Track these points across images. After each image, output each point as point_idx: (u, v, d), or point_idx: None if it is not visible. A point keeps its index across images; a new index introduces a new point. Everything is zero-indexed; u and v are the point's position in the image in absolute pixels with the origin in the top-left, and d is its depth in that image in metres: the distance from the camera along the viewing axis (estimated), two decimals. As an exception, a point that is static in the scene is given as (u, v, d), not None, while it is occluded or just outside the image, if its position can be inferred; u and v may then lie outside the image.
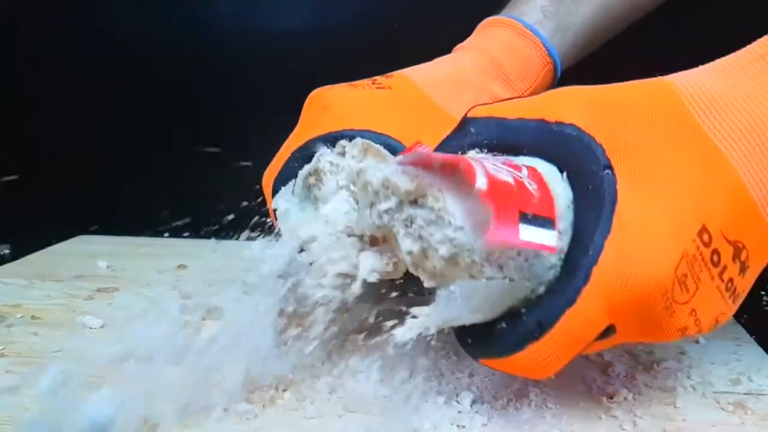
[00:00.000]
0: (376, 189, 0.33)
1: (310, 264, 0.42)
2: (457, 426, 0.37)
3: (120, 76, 0.82)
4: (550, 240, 0.30)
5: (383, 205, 0.33)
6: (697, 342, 0.46)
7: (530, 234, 0.30)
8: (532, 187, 0.32)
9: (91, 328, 0.52)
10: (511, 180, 0.31)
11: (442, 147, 0.38)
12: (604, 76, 0.37)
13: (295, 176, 0.45)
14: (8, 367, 0.45)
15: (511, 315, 0.33)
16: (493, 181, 0.30)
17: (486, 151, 0.37)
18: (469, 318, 0.34)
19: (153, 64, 0.81)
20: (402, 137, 0.44)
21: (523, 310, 0.33)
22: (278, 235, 0.45)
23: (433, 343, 0.47)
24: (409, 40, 0.74)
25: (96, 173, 0.86)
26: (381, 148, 0.43)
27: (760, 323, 0.48)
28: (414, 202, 0.32)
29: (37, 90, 0.85)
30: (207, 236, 0.81)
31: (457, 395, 0.39)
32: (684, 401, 0.39)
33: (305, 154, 0.45)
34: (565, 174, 0.34)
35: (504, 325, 0.33)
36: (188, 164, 0.84)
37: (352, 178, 0.41)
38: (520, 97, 0.48)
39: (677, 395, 0.40)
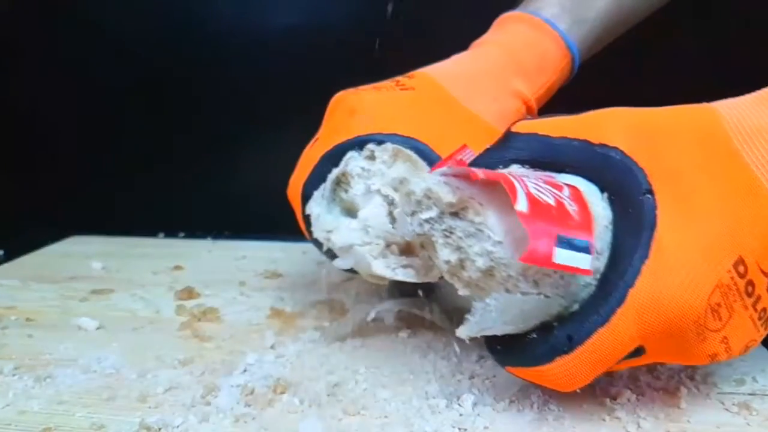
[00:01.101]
0: (419, 198, 0.34)
1: (348, 270, 0.44)
2: (459, 429, 0.36)
3: (116, 76, 0.81)
4: (586, 263, 0.31)
5: (424, 215, 0.34)
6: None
7: (566, 257, 0.30)
8: (572, 208, 0.32)
9: (86, 330, 0.51)
10: (551, 201, 0.31)
11: (483, 159, 0.38)
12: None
13: (325, 180, 0.45)
14: (3, 370, 0.44)
15: (543, 328, 0.34)
16: (533, 202, 0.30)
17: (528, 167, 0.37)
18: (501, 329, 0.35)
19: (150, 65, 0.80)
20: (429, 139, 0.45)
21: (555, 324, 0.34)
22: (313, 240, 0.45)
23: (433, 345, 0.47)
24: (409, 39, 0.74)
25: (90, 173, 0.85)
26: (411, 152, 0.44)
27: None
28: (455, 214, 0.33)
29: (33, 90, 0.84)
30: (203, 236, 0.80)
31: (458, 398, 0.39)
32: (688, 402, 0.39)
33: (334, 159, 0.45)
34: (606, 194, 0.34)
35: (534, 335, 0.34)
36: (186, 164, 0.83)
37: (395, 185, 0.42)
38: (541, 90, 0.52)
39: (681, 396, 0.39)
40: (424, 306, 0.49)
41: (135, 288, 0.62)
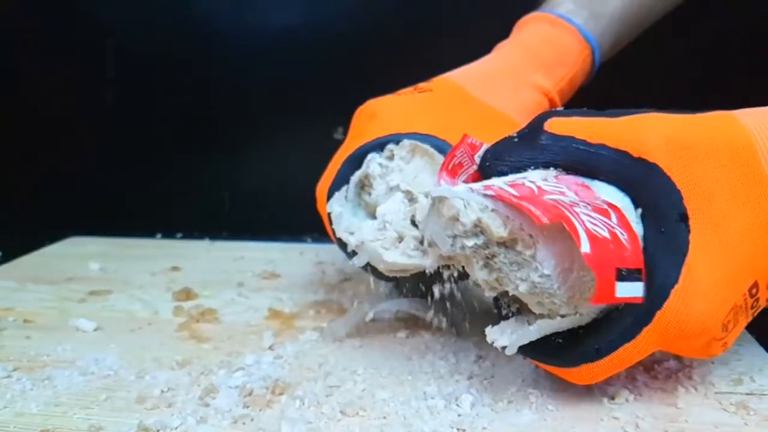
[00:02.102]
0: (467, 228, 0.33)
1: (364, 267, 0.44)
2: (457, 429, 0.36)
3: (114, 76, 0.81)
4: (640, 291, 0.32)
5: (470, 242, 0.34)
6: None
7: (624, 290, 0.31)
8: (623, 237, 0.32)
9: (84, 331, 0.51)
10: (606, 233, 0.31)
11: (513, 156, 0.37)
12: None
13: (348, 182, 0.46)
14: (1, 372, 0.44)
15: (570, 332, 0.36)
16: (593, 239, 0.30)
17: (560, 170, 0.36)
18: (534, 338, 0.36)
19: (148, 66, 0.80)
20: (447, 135, 0.45)
21: (581, 331, 0.35)
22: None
23: (432, 345, 0.47)
24: (407, 40, 0.74)
25: (88, 174, 0.85)
26: (428, 146, 0.45)
27: (762, 323, 0.48)
28: (502, 244, 0.33)
29: (31, 90, 0.84)
30: (200, 237, 0.80)
31: (456, 398, 0.39)
32: (686, 402, 0.39)
33: (356, 161, 0.46)
34: (639, 211, 0.34)
35: (561, 341, 0.36)
36: (183, 165, 0.83)
37: (423, 192, 0.42)
38: (562, 82, 0.52)
39: (679, 396, 0.39)
40: (423, 307, 0.49)
41: (133, 289, 0.62)
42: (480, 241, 0.34)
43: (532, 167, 0.36)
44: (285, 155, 0.81)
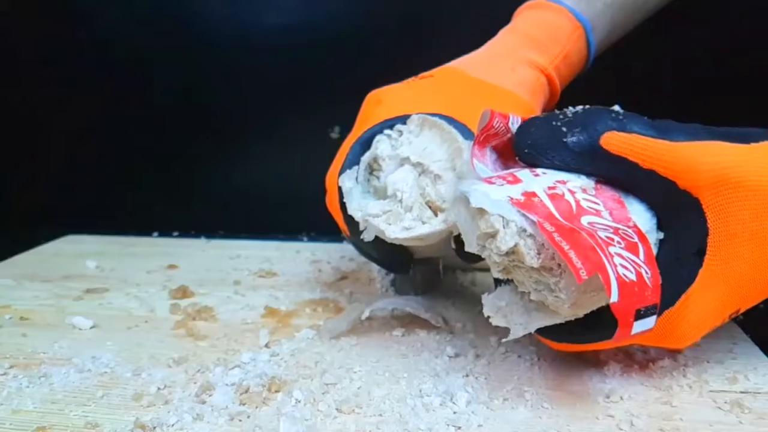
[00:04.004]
0: (501, 253, 0.33)
1: (372, 241, 0.44)
2: (453, 427, 0.36)
3: (111, 76, 0.81)
4: (652, 323, 0.33)
5: (498, 258, 0.34)
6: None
7: (640, 326, 0.32)
8: (647, 276, 0.33)
9: (80, 329, 0.51)
10: (634, 276, 0.32)
11: (559, 154, 0.36)
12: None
13: (358, 164, 0.46)
14: (-4, 369, 0.44)
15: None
16: (621, 286, 0.31)
17: (601, 183, 0.36)
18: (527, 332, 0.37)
19: (145, 66, 0.80)
20: (452, 113, 0.46)
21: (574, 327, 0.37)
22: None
23: (427, 343, 0.47)
24: (405, 40, 0.74)
25: (84, 173, 0.85)
26: (437, 119, 0.45)
27: (756, 322, 0.48)
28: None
29: (29, 90, 0.84)
30: (197, 235, 0.80)
31: (452, 396, 0.39)
32: (680, 400, 0.39)
33: (365, 144, 0.47)
34: (661, 234, 0.36)
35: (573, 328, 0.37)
36: (180, 163, 0.83)
37: (455, 194, 0.40)
38: (557, 59, 0.53)
39: (674, 394, 0.39)
40: (419, 305, 0.49)
41: (129, 287, 0.62)
42: (509, 260, 0.34)
43: (583, 177, 0.36)
44: (281, 154, 0.81)
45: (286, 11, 0.75)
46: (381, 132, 0.47)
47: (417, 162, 0.44)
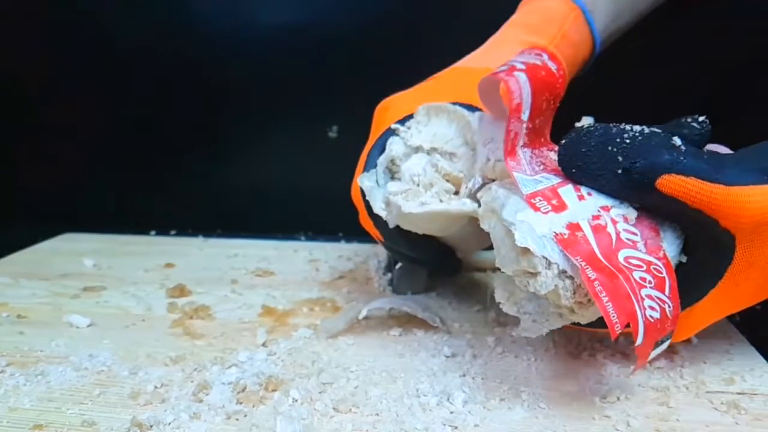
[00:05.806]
0: (539, 293, 0.34)
1: (410, 241, 0.46)
2: (450, 426, 0.36)
3: (110, 75, 0.81)
4: (665, 347, 0.34)
5: (530, 304, 0.36)
6: (689, 341, 0.46)
7: (654, 353, 0.34)
8: (668, 309, 0.33)
9: (77, 327, 0.51)
10: (658, 314, 0.32)
11: (609, 185, 0.35)
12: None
13: (375, 167, 0.47)
14: (-7, 367, 0.44)
15: None
16: (647, 328, 0.32)
17: (644, 210, 0.35)
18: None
19: (143, 64, 0.80)
20: (456, 101, 0.47)
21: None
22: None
23: (424, 343, 0.47)
24: (404, 40, 0.74)
25: (81, 171, 0.85)
26: (441, 104, 0.45)
27: (752, 323, 0.48)
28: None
29: (28, 90, 0.84)
30: (194, 234, 0.80)
31: (449, 396, 0.39)
32: (677, 401, 0.39)
33: (381, 148, 0.48)
34: (685, 257, 0.36)
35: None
36: (177, 162, 0.83)
37: (487, 201, 0.39)
38: (556, 39, 0.53)
39: (670, 395, 0.39)
40: (416, 305, 0.49)
41: (127, 285, 0.62)
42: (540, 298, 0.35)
43: (632, 207, 0.35)
44: (279, 153, 0.81)
45: (285, 11, 0.75)
46: (393, 134, 0.47)
47: (430, 148, 0.45)
